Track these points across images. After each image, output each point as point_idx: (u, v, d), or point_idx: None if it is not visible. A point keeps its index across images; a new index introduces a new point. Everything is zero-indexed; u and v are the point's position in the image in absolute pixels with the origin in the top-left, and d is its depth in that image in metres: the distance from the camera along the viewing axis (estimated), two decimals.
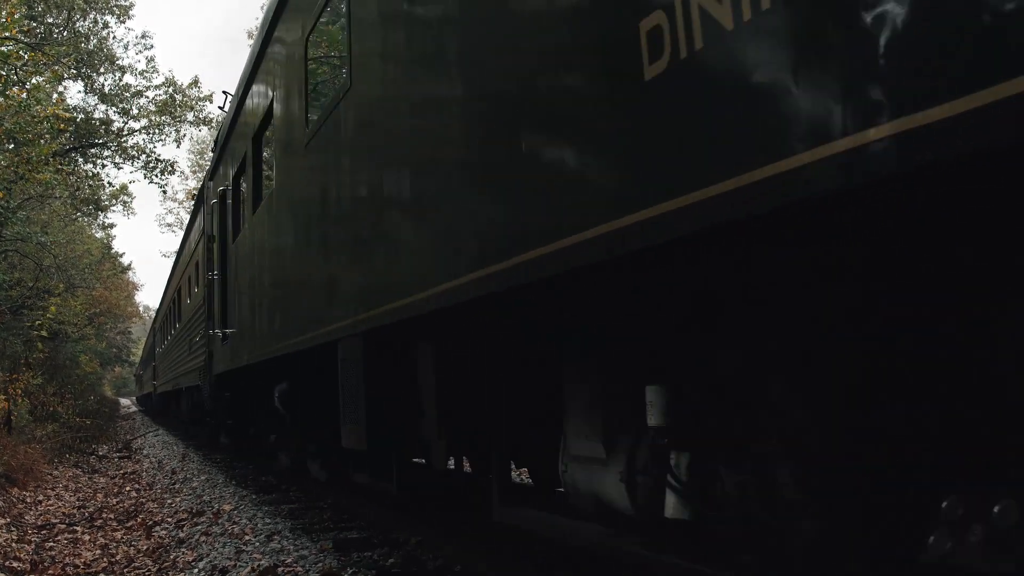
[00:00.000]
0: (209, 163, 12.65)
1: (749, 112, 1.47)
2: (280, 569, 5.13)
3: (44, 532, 7.28)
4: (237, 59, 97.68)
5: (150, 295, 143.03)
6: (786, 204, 1.38)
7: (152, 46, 35.95)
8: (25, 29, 16.06)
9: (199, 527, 7.05)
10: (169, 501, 9.05)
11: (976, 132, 1.09)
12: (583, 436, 2.89)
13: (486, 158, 2.53)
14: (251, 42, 10.49)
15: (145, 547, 6.46)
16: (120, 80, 23.77)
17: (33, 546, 6.58)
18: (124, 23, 28.08)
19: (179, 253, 18.59)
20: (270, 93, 6.14)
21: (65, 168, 20.02)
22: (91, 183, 24.58)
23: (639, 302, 2.56)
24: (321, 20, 4.59)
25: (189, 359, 14.22)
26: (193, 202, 16.52)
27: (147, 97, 24.18)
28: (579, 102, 2.01)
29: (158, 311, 28.34)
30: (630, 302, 2.60)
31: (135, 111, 23.91)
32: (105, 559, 6.05)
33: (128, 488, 10.65)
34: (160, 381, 24.63)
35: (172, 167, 24.57)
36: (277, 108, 5.87)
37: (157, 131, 24.44)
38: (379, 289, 3.52)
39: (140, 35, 41.12)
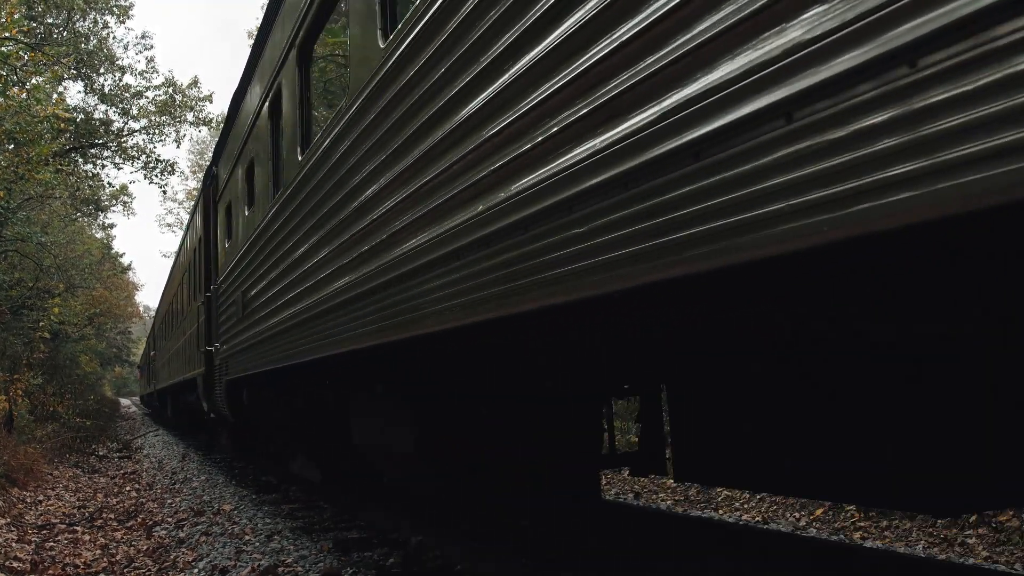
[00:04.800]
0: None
1: None
2: (280, 569, 5.13)
3: (44, 532, 7.28)
4: (237, 59, 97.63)
5: (150, 295, 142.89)
6: None
7: (152, 46, 35.92)
8: (25, 29, 16.05)
9: (199, 527, 7.05)
10: (169, 501, 9.05)
11: None
12: None
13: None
14: (251, 42, 10.62)
15: (145, 547, 6.46)
16: (120, 80, 23.77)
17: (33, 546, 6.58)
18: (124, 23, 28.06)
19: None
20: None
21: (65, 168, 20.00)
22: (91, 183, 24.57)
23: None
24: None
25: None
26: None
27: (147, 97, 24.18)
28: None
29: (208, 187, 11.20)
30: None
31: (135, 111, 23.90)
32: (105, 559, 6.05)
33: (128, 488, 10.65)
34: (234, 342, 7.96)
35: (172, 167, 24.55)
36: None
37: (157, 131, 24.43)
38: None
39: (140, 35, 41.13)
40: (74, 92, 72.16)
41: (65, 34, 21.83)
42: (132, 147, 23.87)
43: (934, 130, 1.23)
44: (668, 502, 7.80)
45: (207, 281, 10.71)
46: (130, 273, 43.68)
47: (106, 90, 23.42)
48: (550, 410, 4.45)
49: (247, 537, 6.37)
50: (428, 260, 3.11)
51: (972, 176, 1.17)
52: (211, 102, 25.14)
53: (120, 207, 30.60)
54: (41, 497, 9.52)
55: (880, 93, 1.31)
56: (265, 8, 6.46)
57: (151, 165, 23.96)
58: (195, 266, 12.55)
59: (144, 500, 9.35)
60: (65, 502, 9.31)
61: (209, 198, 10.86)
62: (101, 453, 16.17)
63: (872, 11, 1.32)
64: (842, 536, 5.96)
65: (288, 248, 5.53)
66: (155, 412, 32.95)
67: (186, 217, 42.70)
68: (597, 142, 2.05)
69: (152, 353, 28.17)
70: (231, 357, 8.38)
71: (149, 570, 5.63)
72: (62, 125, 16.62)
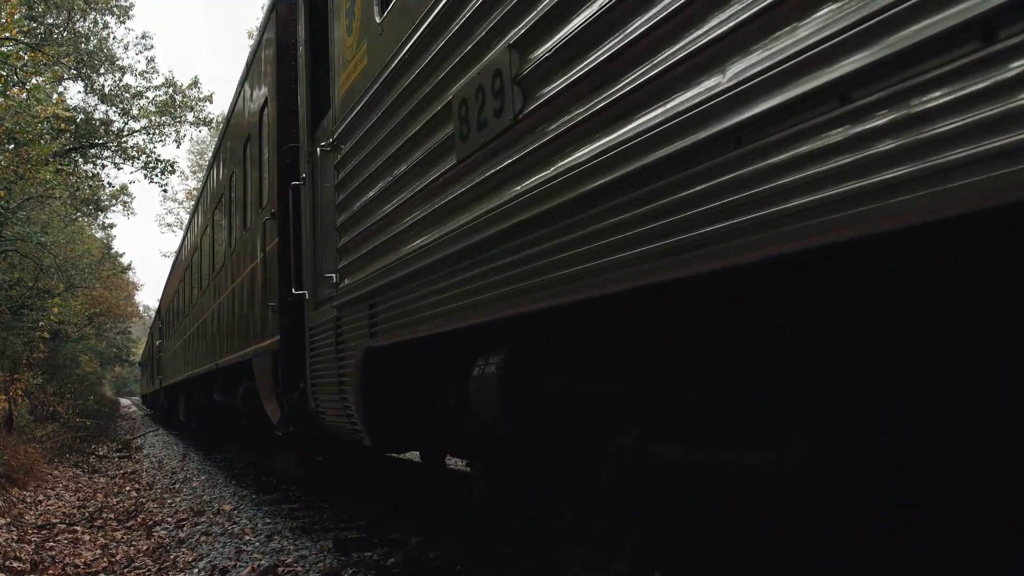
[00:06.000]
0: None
1: None
2: (280, 569, 5.13)
3: (44, 532, 7.28)
4: (237, 59, 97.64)
5: (150, 295, 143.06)
6: None
7: (152, 47, 35.95)
8: (25, 29, 16.07)
9: (199, 527, 7.05)
10: (169, 501, 9.05)
11: None
12: None
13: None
14: (251, 42, 10.45)
15: (145, 547, 6.46)
16: (120, 80, 23.80)
17: (33, 546, 6.59)
18: (124, 23, 28.05)
19: None
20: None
21: (65, 168, 20.02)
22: (91, 183, 24.59)
23: None
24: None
25: None
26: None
27: (147, 98, 24.21)
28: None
29: None
30: None
31: (135, 111, 23.93)
32: (105, 559, 6.05)
33: (128, 488, 10.65)
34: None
35: (172, 167, 24.56)
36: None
37: (157, 131, 24.46)
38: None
39: (140, 35, 41.17)
40: (74, 92, 72.19)
41: (65, 34, 21.85)
42: (132, 147, 23.90)
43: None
44: None
45: (284, 173, 5.90)
46: (130, 273, 43.75)
47: (106, 90, 23.46)
48: None
49: (247, 537, 6.37)
50: None
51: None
52: (211, 102, 25.20)
53: (120, 207, 30.68)
54: (41, 497, 9.53)
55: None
56: None
57: (151, 165, 23.98)
58: (256, 151, 7.06)
59: (144, 500, 9.35)
60: (65, 502, 9.31)
61: None
62: (101, 453, 16.17)
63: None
64: None
65: None
66: (160, 415, 26.86)
67: (185, 217, 42.28)
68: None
69: (157, 343, 21.28)
70: (398, 288, 3.51)
71: (149, 570, 5.64)
72: (62, 125, 16.63)
